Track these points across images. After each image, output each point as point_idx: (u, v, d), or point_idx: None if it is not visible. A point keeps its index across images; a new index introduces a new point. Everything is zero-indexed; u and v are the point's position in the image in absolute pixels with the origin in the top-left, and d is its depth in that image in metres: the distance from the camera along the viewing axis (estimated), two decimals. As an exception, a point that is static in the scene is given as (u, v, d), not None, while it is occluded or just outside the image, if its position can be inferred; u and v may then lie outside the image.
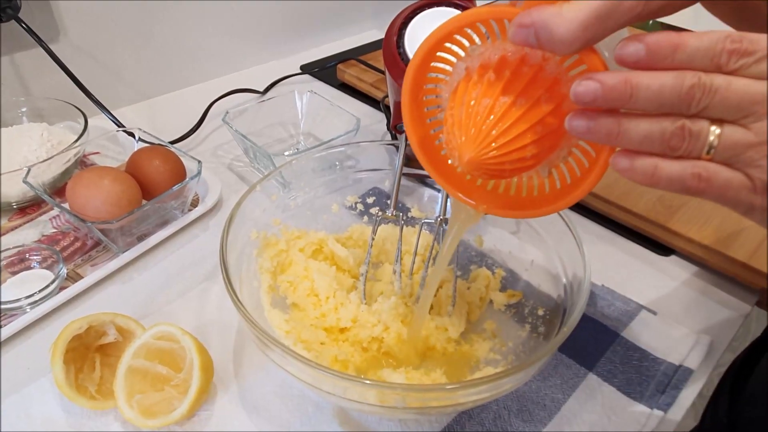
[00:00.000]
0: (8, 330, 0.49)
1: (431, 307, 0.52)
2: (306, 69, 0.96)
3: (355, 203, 0.59)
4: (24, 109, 0.71)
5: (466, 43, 0.33)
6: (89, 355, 0.47)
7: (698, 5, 0.33)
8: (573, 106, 0.28)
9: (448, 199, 0.50)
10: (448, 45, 0.33)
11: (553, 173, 0.34)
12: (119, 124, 0.73)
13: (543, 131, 0.31)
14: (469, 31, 0.32)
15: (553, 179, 0.34)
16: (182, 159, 0.62)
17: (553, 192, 0.35)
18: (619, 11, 0.26)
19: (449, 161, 0.37)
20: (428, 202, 0.60)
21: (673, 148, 0.27)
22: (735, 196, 0.28)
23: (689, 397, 0.48)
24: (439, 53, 0.34)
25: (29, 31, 0.68)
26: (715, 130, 0.26)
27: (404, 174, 0.53)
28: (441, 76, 0.35)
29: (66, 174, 0.64)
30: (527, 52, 0.30)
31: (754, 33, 0.26)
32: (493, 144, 0.31)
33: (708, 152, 0.27)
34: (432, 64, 0.34)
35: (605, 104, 0.27)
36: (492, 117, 0.30)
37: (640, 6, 0.26)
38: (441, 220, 0.51)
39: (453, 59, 0.34)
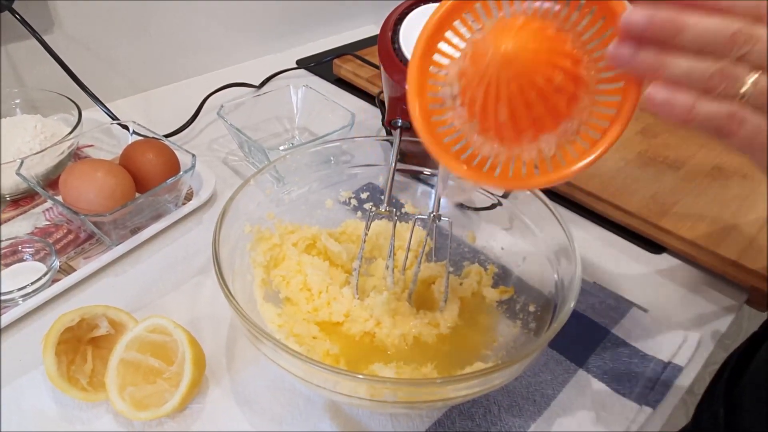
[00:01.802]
0: (0, 322, 0.49)
1: (424, 303, 0.52)
2: (302, 64, 0.96)
3: (349, 198, 0.59)
4: (17, 101, 0.70)
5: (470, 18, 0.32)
6: (81, 347, 0.47)
7: None
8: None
9: (441, 198, 0.50)
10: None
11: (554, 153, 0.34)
12: (113, 117, 0.73)
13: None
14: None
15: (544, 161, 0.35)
16: (176, 152, 0.62)
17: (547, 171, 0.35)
18: None
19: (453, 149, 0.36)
20: (422, 197, 0.60)
21: (711, 88, 0.28)
22: (763, 143, 0.28)
23: (678, 394, 0.48)
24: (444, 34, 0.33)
25: (23, 22, 0.68)
26: (753, 75, 0.27)
27: (398, 170, 0.53)
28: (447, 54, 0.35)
29: (59, 166, 0.63)
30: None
31: None
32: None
33: (743, 97, 0.27)
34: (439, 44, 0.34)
35: (654, 34, 0.27)
36: None
37: None
38: (434, 216, 0.51)
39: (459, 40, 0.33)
